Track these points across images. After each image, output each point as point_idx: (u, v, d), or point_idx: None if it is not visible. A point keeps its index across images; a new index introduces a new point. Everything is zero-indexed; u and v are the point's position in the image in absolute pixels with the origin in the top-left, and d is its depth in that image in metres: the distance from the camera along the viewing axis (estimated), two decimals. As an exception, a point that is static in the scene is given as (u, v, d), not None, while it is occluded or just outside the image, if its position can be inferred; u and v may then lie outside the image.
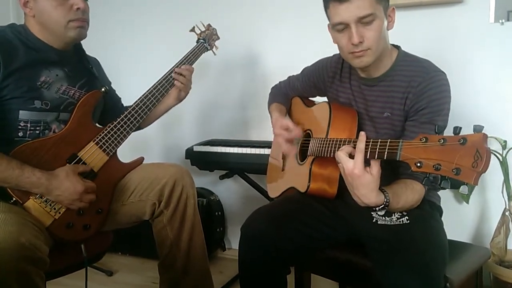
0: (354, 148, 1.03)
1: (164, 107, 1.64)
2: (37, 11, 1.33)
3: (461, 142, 0.83)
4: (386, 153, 0.96)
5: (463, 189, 0.84)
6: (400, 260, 1.07)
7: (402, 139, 0.95)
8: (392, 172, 1.17)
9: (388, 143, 0.97)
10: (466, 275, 1.23)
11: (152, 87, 1.55)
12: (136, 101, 1.51)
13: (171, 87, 1.60)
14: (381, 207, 1.05)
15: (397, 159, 0.93)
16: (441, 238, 1.20)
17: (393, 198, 1.06)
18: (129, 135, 1.47)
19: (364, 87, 1.31)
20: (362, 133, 1.02)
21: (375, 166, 1.01)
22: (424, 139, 0.89)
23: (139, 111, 1.50)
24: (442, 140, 0.86)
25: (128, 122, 1.47)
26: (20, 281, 1.05)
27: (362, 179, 1.00)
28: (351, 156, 1.02)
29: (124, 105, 1.70)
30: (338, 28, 1.18)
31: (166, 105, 1.64)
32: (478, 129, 0.82)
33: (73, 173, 1.29)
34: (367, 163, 1.01)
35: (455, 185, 0.85)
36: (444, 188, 0.86)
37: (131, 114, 1.47)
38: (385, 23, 1.19)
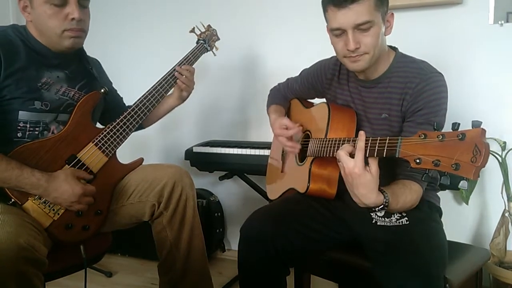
0: (354, 147, 1.03)
1: (167, 107, 1.65)
2: (34, 17, 1.31)
3: (460, 137, 0.83)
4: (385, 150, 0.96)
5: (463, 184, 0.84)
6: (400, 261, 1.07)
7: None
8: (390, 172, 1.17)
9: (387, 141, 0.97)
10: (466, 276, 1.23)
11: (151, 88, 1.55)
12: (136, 103, 1.51)
13: (170, 87, 1.60)
14: (380, 207, 1.04)
15: (396, 156, 0.93)
16: (440, 239, 1.20)
17: (392, 198, 1.06)
18: (128, 136, 1.47)
19: (362, 89, 1.31)
20: (362, 132, 1.02)
21: (374, 165, 1.00)
22: (423, 135, 0.89)
23: (139, 112, 1.49)
24: (441, 136, 0.86)
25: (128, 123, 1.46)
26: (18, 282, 1.04)
27: (362, 178, 1.00)
28: (352, 155, 1.02)
29: (126, 104, 1.70)
30: (335, 33, 1.19)
31: (169, 106, 1.65)
32: (476, 124, 0.83)
33: (73, 176, 1.29)
34: (366, 162, 1.01)
35: (455, 186, 0.85)
36: (444, 185, 0.86)
37: (130, 115, 1.47)
38: (383, 29, 1.19)
